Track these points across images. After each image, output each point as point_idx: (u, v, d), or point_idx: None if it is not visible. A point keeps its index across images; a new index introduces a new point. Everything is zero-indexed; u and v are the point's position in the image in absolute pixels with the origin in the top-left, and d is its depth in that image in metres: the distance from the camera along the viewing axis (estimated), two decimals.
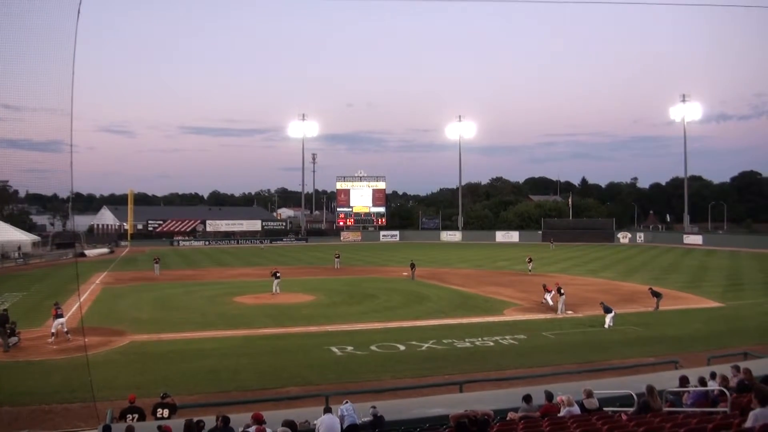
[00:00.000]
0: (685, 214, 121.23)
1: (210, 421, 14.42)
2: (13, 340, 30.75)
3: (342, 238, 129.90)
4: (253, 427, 12.73)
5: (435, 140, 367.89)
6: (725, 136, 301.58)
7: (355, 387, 22.67)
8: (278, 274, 49.93)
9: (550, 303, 42.26)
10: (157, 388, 20.72)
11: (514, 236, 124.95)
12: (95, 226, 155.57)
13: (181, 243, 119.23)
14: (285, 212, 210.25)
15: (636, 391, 15.68)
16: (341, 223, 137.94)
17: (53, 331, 32.01)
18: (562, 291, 41.08)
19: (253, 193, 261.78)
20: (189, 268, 74.24)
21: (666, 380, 17.77)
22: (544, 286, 44.17)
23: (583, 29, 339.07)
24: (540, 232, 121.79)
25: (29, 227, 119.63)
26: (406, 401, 19.10)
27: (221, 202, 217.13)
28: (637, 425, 12.56)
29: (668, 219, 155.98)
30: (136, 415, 17.06)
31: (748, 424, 10.91)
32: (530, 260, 65.35)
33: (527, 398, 15.55)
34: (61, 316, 32.56)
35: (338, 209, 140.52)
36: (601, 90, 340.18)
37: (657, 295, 41.29)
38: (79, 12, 16.20)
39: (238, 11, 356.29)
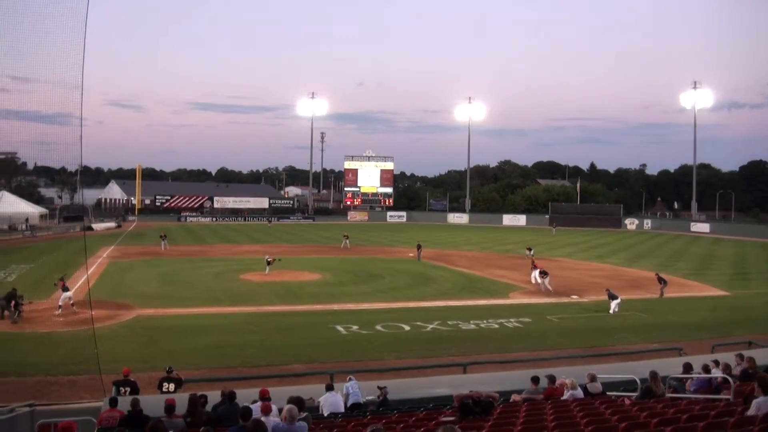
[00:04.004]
0: (693, 202, 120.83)
1: (215, 395, 14.50)
2: (15, 311, 30.89)
3: (349, 217, 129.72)
4: (259, 403, 12.80)
5: (444, 122, 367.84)
6: (736, 125, 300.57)
7: (359, 366, 22.75)
8: (269, 260, 49.44)
9: (538, 281, 43.15)
10: (163, 362, 20.83)
11: (521, 220, 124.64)
12: (103, 200, 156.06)
13: (189, 219, 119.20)
14: (292, 190, 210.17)
15: (639, 377, 15.74)
16: (348, 203, 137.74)
17: (60, 304, 32.19)
18: (545, 272, 43.05)
19: (261, 170, 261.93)
20: (196, 243, 74.39)
21: (670, 366, 17.77)
22: (533, 262, 46.39)
23: (596, 13, 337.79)
24: (547, 216, 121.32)
25: (37, 200, 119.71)
26: (410, 381, 19.20)
27: (229, 179, 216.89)
28: (640, 410, 12.60)
29: (676, 206, 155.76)
30: (129, 389, 17.16)
31: (750, 412, 10.95)
32: (530, 249, 64.42)
33: (535, 379, 15.59)
34: (67, 289, 32.73)
35: (346, 189, 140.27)
36: (612, 75, 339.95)
37: (663, 281, 41.24)
38: None
39: None
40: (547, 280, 42.56)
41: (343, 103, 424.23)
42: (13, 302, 30.85)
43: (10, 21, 18.36)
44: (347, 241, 71.80)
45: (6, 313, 30.81)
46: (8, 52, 18.97)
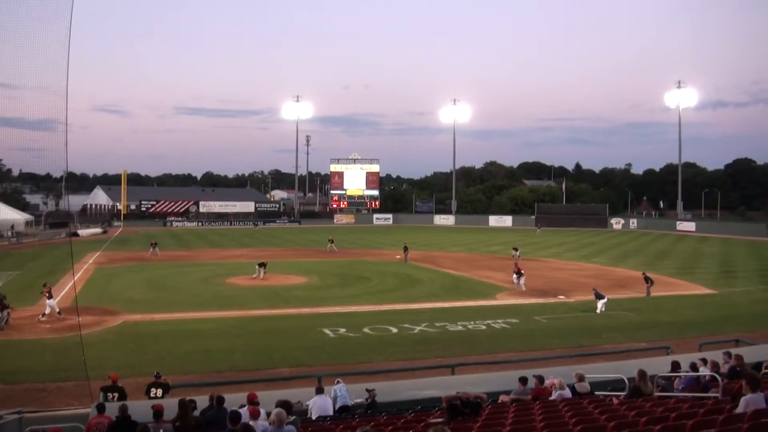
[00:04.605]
0: (679, 201, 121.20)
1: (203, 400, 14.45)
2: (3, 315, 30.65)
3: (335, 220, 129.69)
4: (247, 407, 12.77)
5: (429, 123, 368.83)
6: (722, 123, 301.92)
7: (347, 369, 22.73)
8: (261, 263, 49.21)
9: (518, 282, 43.74)
10: (151, 367, 20.74)
11: (507, 221, 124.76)
12: (88, 205, 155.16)
13: (174, 224, 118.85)
14: (278, 194, 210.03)
15: (627, 376, 15.75)
16: (335, 206, 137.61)
17: (46, 311, 32.07)
18: (522, 272, 44.11)
19: (246, 174, 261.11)
20: (182, 248, 74.16)
21: (658, 365, 17.82)
22: (516, 264, 48.28)
23: (580, 13, 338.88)
24: (533, 217, 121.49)
25: (22, 206, 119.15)
26: (398, 383, 19.19)
27: (214, 183, 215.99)
28: (628, 409, 12.63)
29: (661, 205, 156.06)
30: (117, 394, 17.10)
31: (739, 409, 10.97)
32: (516, 249, 64.63)
33: (523, 380, 15.61)
34: (51, 297, 32.54)
35: (332, 192, 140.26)
36: (598, 75, 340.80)
37: (649, 280, 41.32)
38: None
39: None
40: (522, 280, 43.36)
41: (328, 106, 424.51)
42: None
43: None
44: (332, 245, 71.64)
45: None
46: None
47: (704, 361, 16.58)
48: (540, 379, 15.64)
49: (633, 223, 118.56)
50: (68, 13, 16.48)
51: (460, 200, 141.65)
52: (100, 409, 14.12)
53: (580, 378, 15.57)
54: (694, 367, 16.17)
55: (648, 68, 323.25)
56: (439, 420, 12.48)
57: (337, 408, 15.22)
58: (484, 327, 31.78)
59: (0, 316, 30.41)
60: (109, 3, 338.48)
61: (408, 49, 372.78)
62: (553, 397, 14.53)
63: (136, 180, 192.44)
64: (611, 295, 37.92)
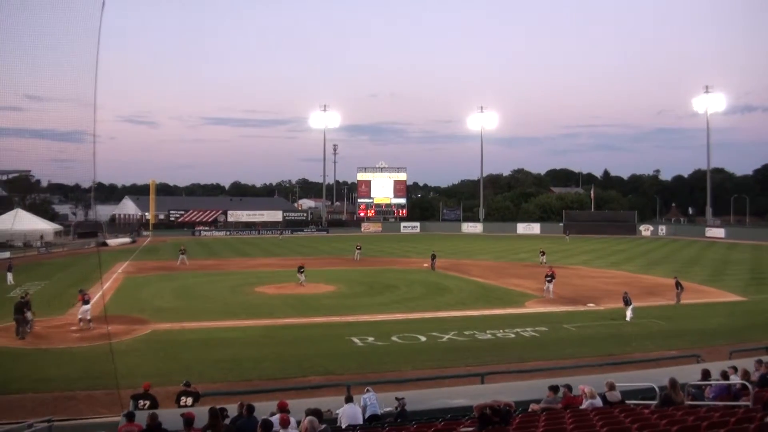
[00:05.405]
0: (708, 207, 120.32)
1: (233, 409, 14.50)
2: (28, 315, 30.83)
3: (363, 229, 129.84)
4: (278, 415, 12.79)
5: (457, 131, 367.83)
6: (749, 128, 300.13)
7: (376, 377, 22.69)
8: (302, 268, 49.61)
9: (548, 287, 43.54)
10: (180, 376, 20.82)
11: (535, 228, 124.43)
12: (117, 215, 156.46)
13: (203, 233, 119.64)
14: (306, 203, 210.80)
15: (658, 384, 15.64)
16: (362, 214, 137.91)
17: (80, 317, 32.37)
18: (554, 276, 44.03)
19: (274, 183, 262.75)
20: (210, 257, 74.55)
21: (688, 374, 17.69)
22: (550, 267, 48.10)
23: (607, 19, 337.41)
24: (561, 224, 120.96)
25: (51, 216, 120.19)
26: (427, 392, 19.12)
27: (242, 193, 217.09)
28: (660, 418, 12.53)
29: (690, 212, 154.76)
30: (148, 402, 17.15)
31: None
32: (543, 253, 64.92)
33: (554, 388, 15.51)
34: (87, 302, 32.77)
35: (359, 200, 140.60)
36: (625, 81, 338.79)
37: (680, 287, 40.93)
38: (104, 3, 16.31)
39: (261, 1, 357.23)
40: (551, 286, 43.33)
41: (355, 115, 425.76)
42: (24, 311, 30.61)
43: (25, 42, 18.52)
44: (358, 253, 71.80)
45: (20, 328, 30.62)
46: (23, 71, 19.14)
47: (735, 369, 16.44)
48: (569, 389, 15.55)
49: (662, 229, 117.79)
50: (97, 27, 16.67)
51: (488, 208, 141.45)
52: (130, 417, 14.21)
53: (611, 387, 15.46)
54: (724, 376, 16.02)
55: (675, 73, 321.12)
56: (470, 429, 12.46)
57: (366, 417, 15.20)
58: (513, 335, 31.66)
59: (23, 327, 30.52)
60: (136, 16, 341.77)
61: (434, 57, 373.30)
62: (583, 406, 14.45)
63: (164, 190, 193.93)
64: (641, 302, 37.75)
